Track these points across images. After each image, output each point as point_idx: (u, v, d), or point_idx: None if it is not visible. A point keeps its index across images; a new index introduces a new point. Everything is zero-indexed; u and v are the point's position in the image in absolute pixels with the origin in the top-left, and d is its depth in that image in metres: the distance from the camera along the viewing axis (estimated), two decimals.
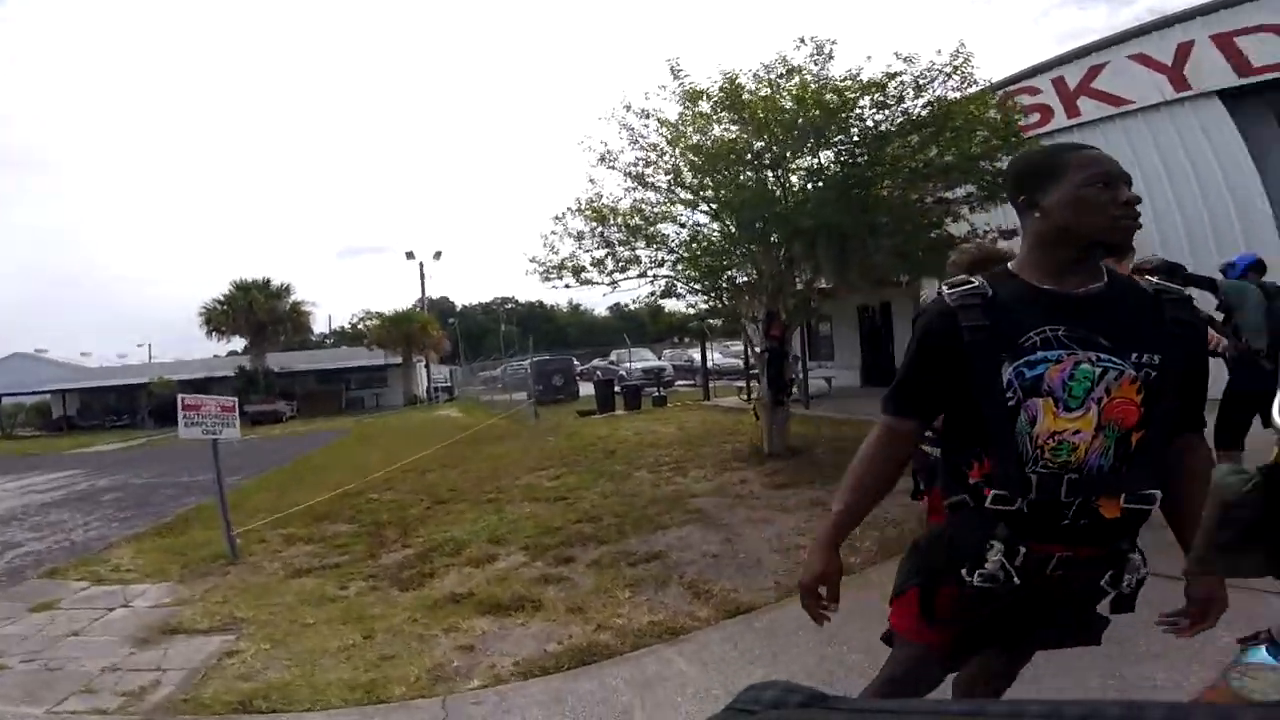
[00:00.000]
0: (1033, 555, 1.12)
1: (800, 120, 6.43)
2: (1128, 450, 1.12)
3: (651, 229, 8.03)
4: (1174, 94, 9.30)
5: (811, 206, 6.37)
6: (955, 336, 1.16)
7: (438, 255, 38.34)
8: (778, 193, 6.89)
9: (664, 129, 7.52)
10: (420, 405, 28.74)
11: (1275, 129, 8.84)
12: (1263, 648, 0.35)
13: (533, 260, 8.66)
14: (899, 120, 6.67)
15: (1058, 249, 1.18)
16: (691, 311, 9.37)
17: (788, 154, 6.85)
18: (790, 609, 3.31)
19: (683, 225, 8.16)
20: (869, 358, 15.98)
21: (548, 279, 8.68)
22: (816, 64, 6.64)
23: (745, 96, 6.73)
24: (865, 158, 6.60)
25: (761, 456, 7.40)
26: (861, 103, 6.58)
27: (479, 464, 9.07)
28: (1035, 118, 9.62)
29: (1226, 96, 8.99)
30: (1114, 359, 1.11)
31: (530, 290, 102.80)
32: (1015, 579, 1.12)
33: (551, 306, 74.14)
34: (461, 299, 69.75)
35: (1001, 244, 7.42)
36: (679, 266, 8.22)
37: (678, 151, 7.46)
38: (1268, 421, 3.45)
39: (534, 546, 4.71)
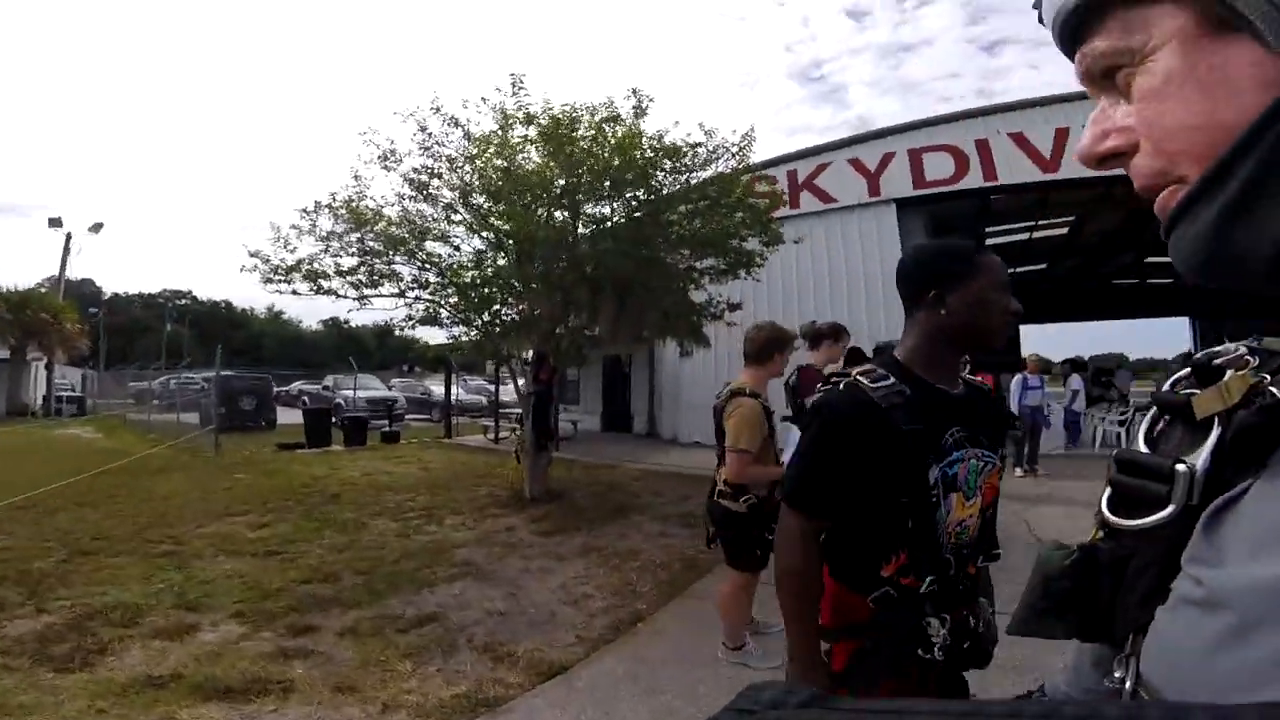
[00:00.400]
0: (954, 622, 1.24)
1: (612, 168, 6.58)
2: (985, 522, 1.34)
3: (419, 245, 7.35)
4: (868, 198, 11.42)
5: (605, 254, 6.52)
6: (885, 435, 1.19)
7: (97, 228, 27.81)
8: (570, 236, 6.93)
9: (471, 143, 7.07)
10: (36, 419, 20.90)
11: (920, 234, 11.49)
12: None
13: (255, 255, 7.24)
14: (685, 187, 7.25)
15: (951, 346, 1.28)
16: (449, 342, 8.65)
17: (585, 197, 6.94)
18: (605, 662, 3.20)
19: (456, 248, 7.66)
20: (610, 405, 16.97)
21: (271, 280, 7.30)
22: (636, 116, 6.88)
23: (576, 133, 6.68)
24: (649, 216, 7.02)
25: (524, 502, 7.14)
26: (665, 164, 7.01)
27: (137, 504, 6.91)
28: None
29: (901, 204, 11.28)
30: (989, 454, 1.31)
31: (214, 287, 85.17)
32: (953, 645, 1.23)
33: (244, 310, 62.35)
34: (115, 285, 53.99)
35: (729, 315, 8.73)
36: (447, 291, 7.68)
37: (474, 169, 7.04)
38: None
39: (251, 614, 3.72)
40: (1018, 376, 9.02)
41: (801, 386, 3.54)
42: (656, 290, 7.36)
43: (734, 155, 7.25)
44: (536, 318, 7.40)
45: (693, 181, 7.22)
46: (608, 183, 6.75)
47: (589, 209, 7.23)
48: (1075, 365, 12.48)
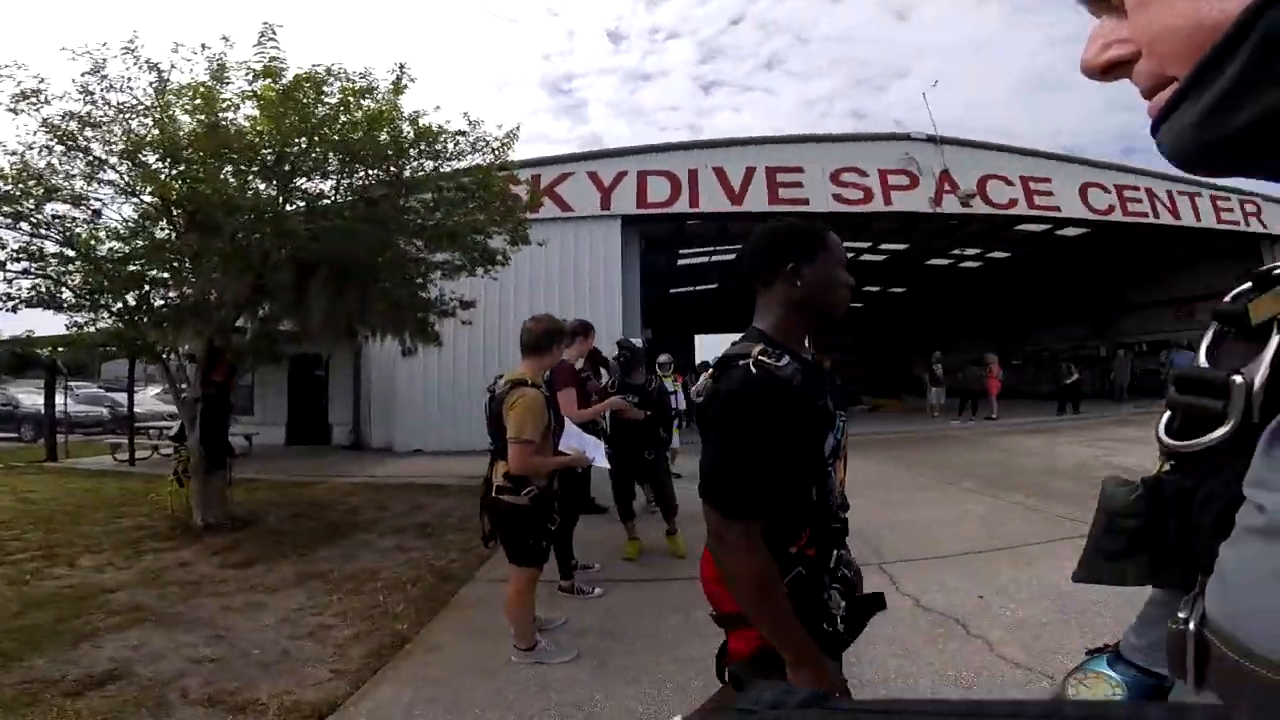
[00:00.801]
0: (844, 585, 1.28)
1: (354, 143, 5.68)
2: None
3: (38, 206, 5.33)
4: (600, 210, 12.10)
5: (325, 233, 5.51)
6: (805, 411, 1.18)
7: None
8: (271, 209, 5.64)
9: (166, 93, 5.53)
10: None
11: (636, 250, 12.71)
12: (1104, 658, 0.50)
13: None
14: (435, 174, 6.59)
15: (805, 319, 1.30)
16: (71, 333, 6.22)
17: (306, 169, 5.82)
18: (386, 690, 2.76)
19: (97, 213, 5.69)
20: (298, 414, 14.44)
21: None
22: (395, 92, 6.06)
23: (321, 98, 5.63)
24: (387, 200, 6.19)
25: (195, 532, 5.62)
26: (418, 147, 6.28)
27: None
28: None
29: (626, 220, 12.13)
30: (843, 415, 1.34)
31: None
32: (848, 609, 1.26)
33: None
34: None
35: (462, 313, 8.29)
36: (70, 266, 5.64)
37: (156, 121, 5.42)
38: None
39: None
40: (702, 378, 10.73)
41: (560, 381, 3.73)
42: (387, 281, 6.55)
43: (494, 151, 6.87)
44: (208, 304, 5.88)
45: (443, 170, 6.64)
46: (341, 157, 5.82)
47: (302, 183, 6.08)
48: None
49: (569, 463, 3.05)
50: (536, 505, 2.77)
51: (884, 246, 17.71)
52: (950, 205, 12.97)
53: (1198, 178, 10.91)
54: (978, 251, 18.87)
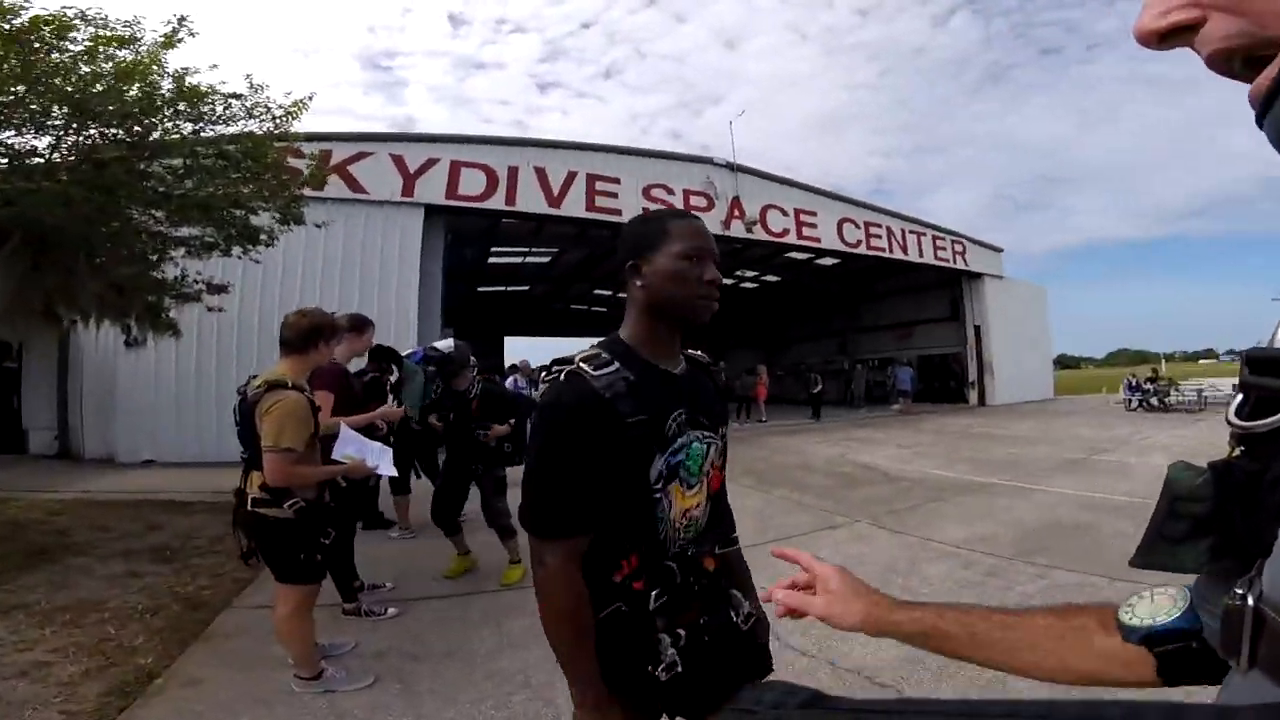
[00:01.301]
0: (690, 630, 1.12)
1: (92, 95, 4.72)
2: (717, 509, 1.25)
3: None
4: (400, 197, 11.11)
5: (27, 195, 4.41)
6: (614, 429, 1.05)
7: None
8: None
9: None
10: None
11: (440, 242, 11.88)
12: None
13: None
14: (191, 138, 5.55)
15: (659, 322, 1.16)
16: None
17: (17, 122, 4.72)
18: None
19: None
20: None
21: None
22: (164, 45, 5.14)
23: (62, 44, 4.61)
24: (121, 162, 5.03)
25: None
26: (177, 106, 5.27)
27: None
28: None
29: (430, 210, 11.29)
30: (711, 434, 1.19)
31: None
32: (687, 658, 1.10)
33: None
34: None
35: (210, 299, 7.14)
36: None
37: None
38: (428, 470, 4.99)
39: None
40: (510, 379, 10.41)
41: (317, 384, 3.17)
42: (104, 256, 5.41)
43: (275, 119, 5.99)
44: None
45: (206, 135, 5.69)
46: (70, 111, 4.77)
47: (8, 137, 4.86)
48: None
49: (343, 472, 2.77)
50: (303, 518, 2.49)
51: None
52: (737, 229, 14.43)
53: (924, 220, 13.51)
54: (755, 274, 21.35)
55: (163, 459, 9.73)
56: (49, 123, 4.87)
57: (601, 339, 1.21)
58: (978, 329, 19.33)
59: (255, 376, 2.58)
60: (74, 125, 4.98)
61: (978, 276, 19.43)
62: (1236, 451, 0.43)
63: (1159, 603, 0.50)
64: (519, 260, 18.74)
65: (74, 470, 9.04)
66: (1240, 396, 0.41)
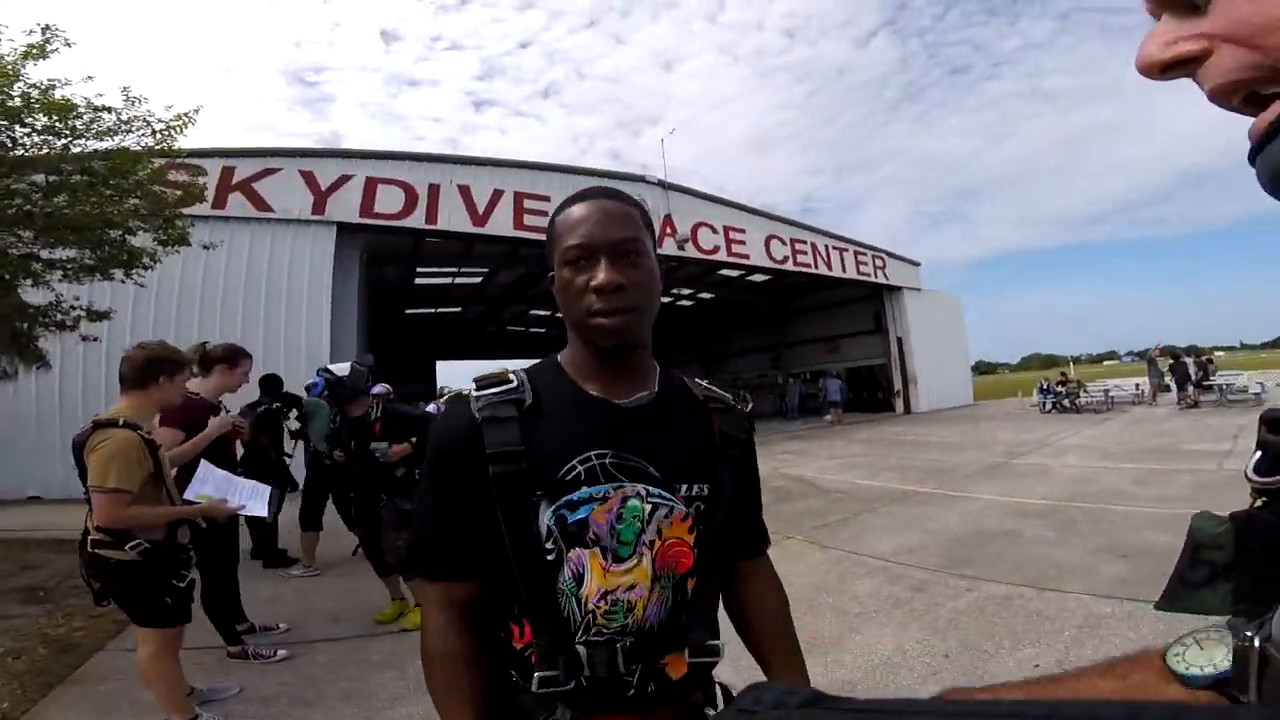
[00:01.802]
0: None
1: None
2: (685, 598, 0.89)
3: None
4: (310, 215, 10.58)
5: None
6: (474, 460, 0.84)
7: None
8: None
9: None
10: None
11: (355, 262, 11.30)
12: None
13: None
14: (57, 153, 5.13)
15: (579, 341, 0.91)
16: None
17: None
18: None
19: None
20: None
21: None
22: (30, 55, 4.94)
23: None
24: None
25: None
26: (36, 120, 4.95)
27: None
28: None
29: (343, 227, 10.83)
30: (666, 495, 0.87)
31: None
32: None
33: None
34: None
35: (87, 326, 6.52)
36: None
37: None
38: (341, 504, 4.46)
39: None
40: (433, 405, 9.85)
41: (166, 419, 2.94)
42: None
43: (156, 134, 5.64)
44: None
45: (73, 149, 5.31)
46: None
47: None
48: None
49: (197, 513, 2.60)
50: (149, 559, 2.35)
51: None
52: (669, 247, 14.52)
53: (847, 237, 13.95)
54: (690, 291, 21.59)
55: (49, 495, 8.86)
56: None
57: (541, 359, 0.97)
58: (900, 340, 20.14)
59: (93, 418, 2.42)
60: None
61: (898, 290, 20.33)
62: (1258, 503, 0.46)
63: (1209, 648, 0.49)
64: (448, 281, 18.17)
65: None
66: (1259, 454, 0.43)
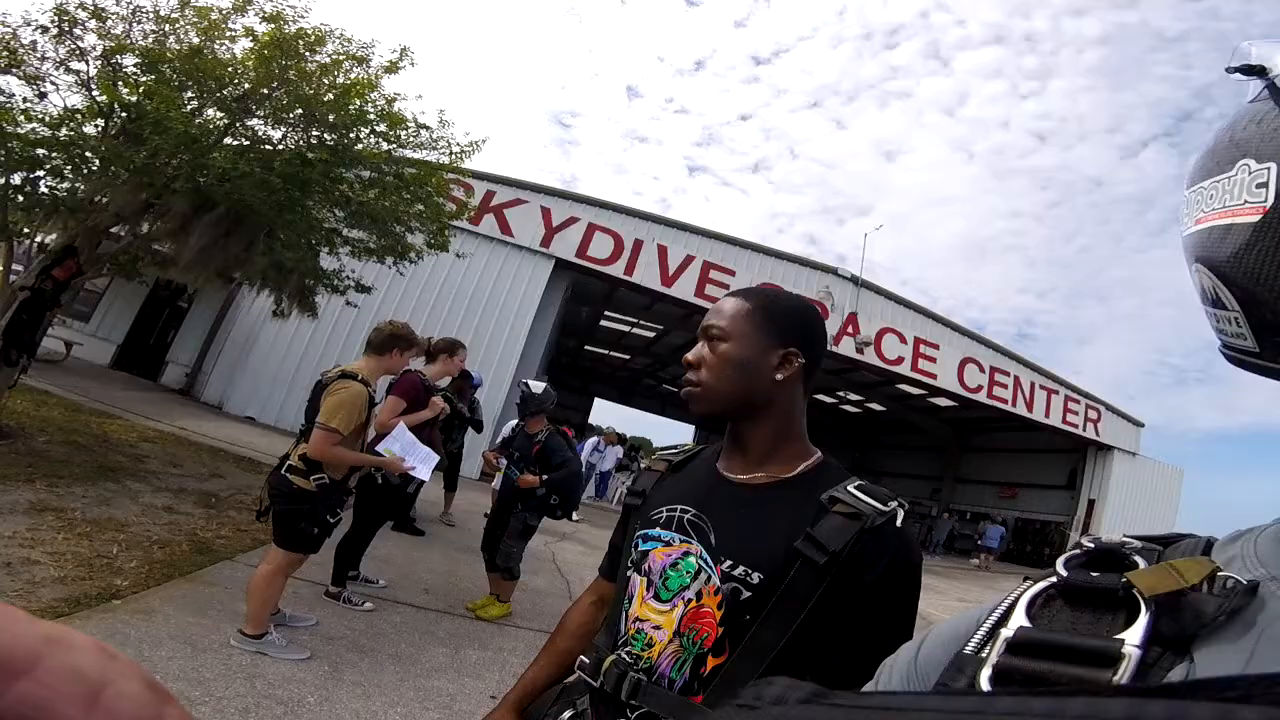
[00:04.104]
0: None
1: (320, 102, 5.69)
2: (702, 674, 0.87)
3: None
4: (539, 246, 12.02)
5: (242, 178, 5.21)
6: (633, 497, 1.09)
7: None
8: (210, 139, 5.47)
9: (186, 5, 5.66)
10: None
11: (560, 296, 12.30)
12: None
13: None
14: (381, 154, 6.41)
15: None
16: None
17: (261, 114, 5.84)
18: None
19: (45, 94, 5.38)
20: (136, 339, 12.89)
21: None
22: (387, 70, 6.10)
23: (314, 55, 5.80)
24: (322, 164, 5.85)
25: None
26: (378, 127, 6.22)
27: None
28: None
29: (560, 264, 12.12)
30: (708, 559, 0.89)
31: None
32: None
33: None
34: None
35: (354, 295, 7.84)
36: None
37: (147, 32, 5.52)
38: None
39: None
40: (594, 439, 10.33)
41: (399, 388, 3.65)
42: (283, 237, 6.23)
43: (453, 154, 6.83)
44: (92, 205, 5.41)
45: (394, 154, 6.56)
46: (304, 113, 5.78)
47: (256, 125, 6.08)
48: (620, 439, 15.30)
49: (377, 464, 3.03)
50: (323, 493, 2.70)
51: None
52: (847, 347, 13.86)
53: (1060, 376, 12.11)
54: (859, 399, 20.30)
55: (261, 418, 10.63)
56: (285, 119, 5.89)
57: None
58: (1092, 502, 17.01)
59: (339, 366, 2.92)
60: (302, 125, 5.96)
61: (1108, 449, 17.26)
62: None
63: None
64: (627, 329, 19.21)
65: (186, 407, 10.08)
66: (997, 678, 0.39)
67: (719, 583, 0.87)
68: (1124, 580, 0.38)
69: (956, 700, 0.25)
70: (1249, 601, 0.35)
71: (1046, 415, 16.31)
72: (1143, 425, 18.37)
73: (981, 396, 15.45)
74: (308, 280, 7.18)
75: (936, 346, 15.00)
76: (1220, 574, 0.36)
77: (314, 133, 6.06)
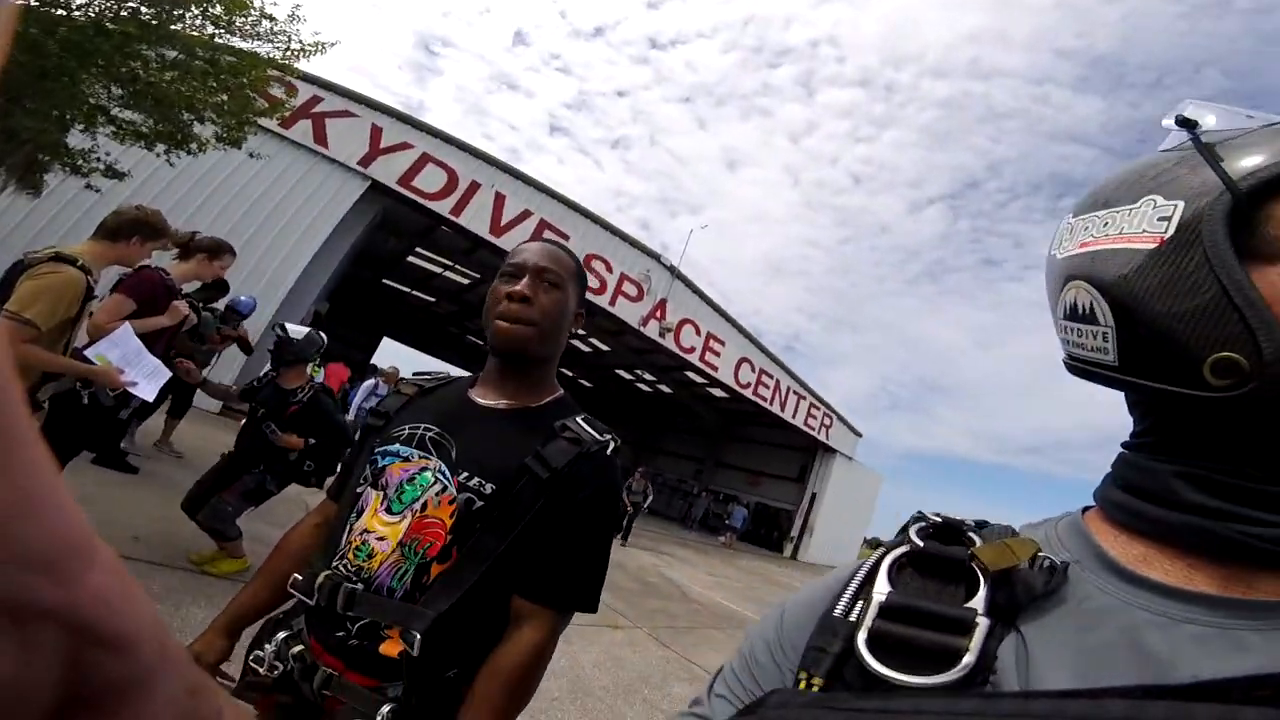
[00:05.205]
0: (307, 658, 0.92)
1: None
2: (424, 582, 0.89)
3: None
4: (357, 165, 10.92)
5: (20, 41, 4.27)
6: (376, 417, 1.08)
7: None
8: None
9: None
10: None
11: (365, 221, 11.37)
12: None
13: None
14: (197, 36, 5.50)
15: (491, 355, 1.05)
16: None
17: None
18: None
19: None
20: None
21: None
22: None
23: None
24: (118, 37, 4.89)
25: None
26: (215, 5, 5.38)
27: None
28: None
29: (376, 187, 11.13)
30: (446, 472, 0.92)
31: None
32: (284, 674, 0.93)
33: None
34: None
35: (98, 180, 6.66)
36: None
37: None
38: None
39: None
40: (371, 380, 8.71)
41: (128, 284, 2.74)
42: (33, 105, 5.12)
43: (290, 51, 6.06)
44: None
45: (217, 39, 5.71)
46: None
47: None
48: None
49: (85, 373, 2.29)
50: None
51: (593, 340, 19.50)
52: (652, 330, 15.11)
53: (809, 386, 14.34)
54: (652, 379, 22.18)
55: None
56: None
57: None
58: (814, 496, 21.05)
59: (53, 247, 2.21)
60: None
61: (832, 451, 21.37)
62: None
63: None
64: (438, 270, 18.38)
65: None
66: (870, 640, 0.42)
67: (455, 492, 0.91)
68: (969, 553, 0.41)
69: (957, 702, 0.26)
70: (1065, 581, 0.39)
71: (794, 416, 19.59)
72: (861, 435, 23.05)
73: (749, 393, 17.97)
74: (41, 155, 5.99)
75: (723, 344, 17.04)
76: (1040, 555, 0.40)
77: (129, 2, 5.08)
